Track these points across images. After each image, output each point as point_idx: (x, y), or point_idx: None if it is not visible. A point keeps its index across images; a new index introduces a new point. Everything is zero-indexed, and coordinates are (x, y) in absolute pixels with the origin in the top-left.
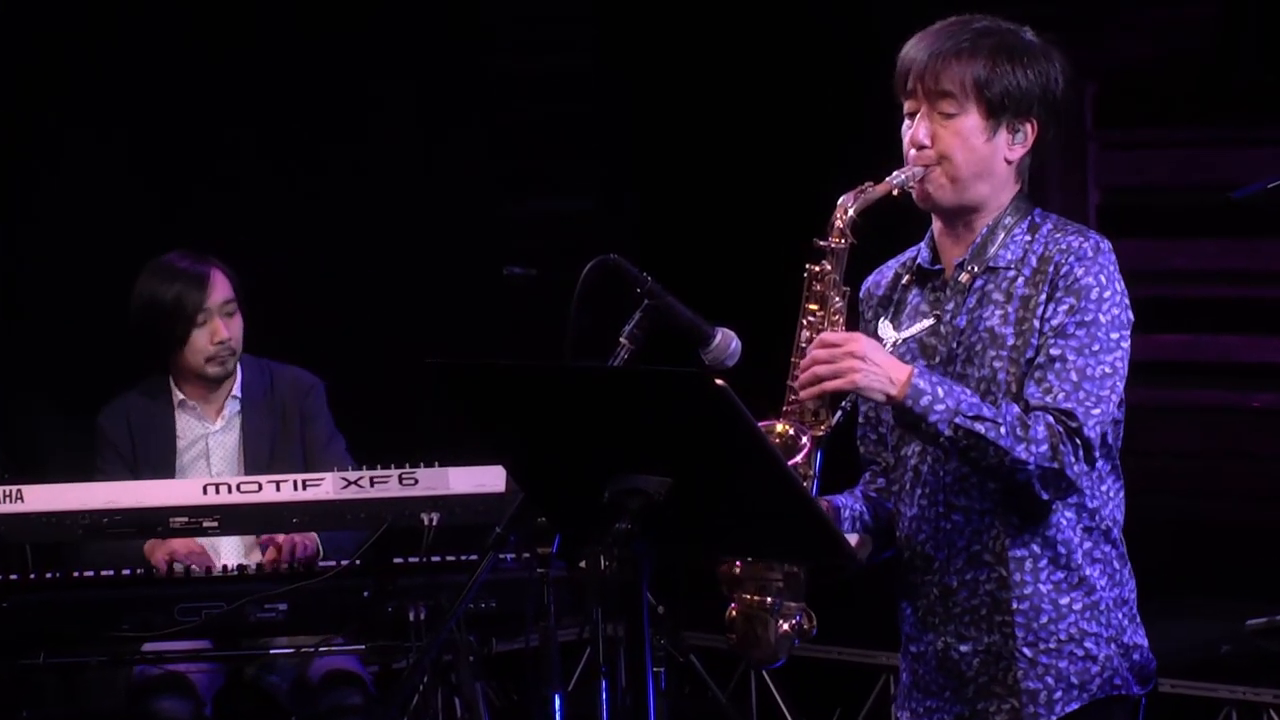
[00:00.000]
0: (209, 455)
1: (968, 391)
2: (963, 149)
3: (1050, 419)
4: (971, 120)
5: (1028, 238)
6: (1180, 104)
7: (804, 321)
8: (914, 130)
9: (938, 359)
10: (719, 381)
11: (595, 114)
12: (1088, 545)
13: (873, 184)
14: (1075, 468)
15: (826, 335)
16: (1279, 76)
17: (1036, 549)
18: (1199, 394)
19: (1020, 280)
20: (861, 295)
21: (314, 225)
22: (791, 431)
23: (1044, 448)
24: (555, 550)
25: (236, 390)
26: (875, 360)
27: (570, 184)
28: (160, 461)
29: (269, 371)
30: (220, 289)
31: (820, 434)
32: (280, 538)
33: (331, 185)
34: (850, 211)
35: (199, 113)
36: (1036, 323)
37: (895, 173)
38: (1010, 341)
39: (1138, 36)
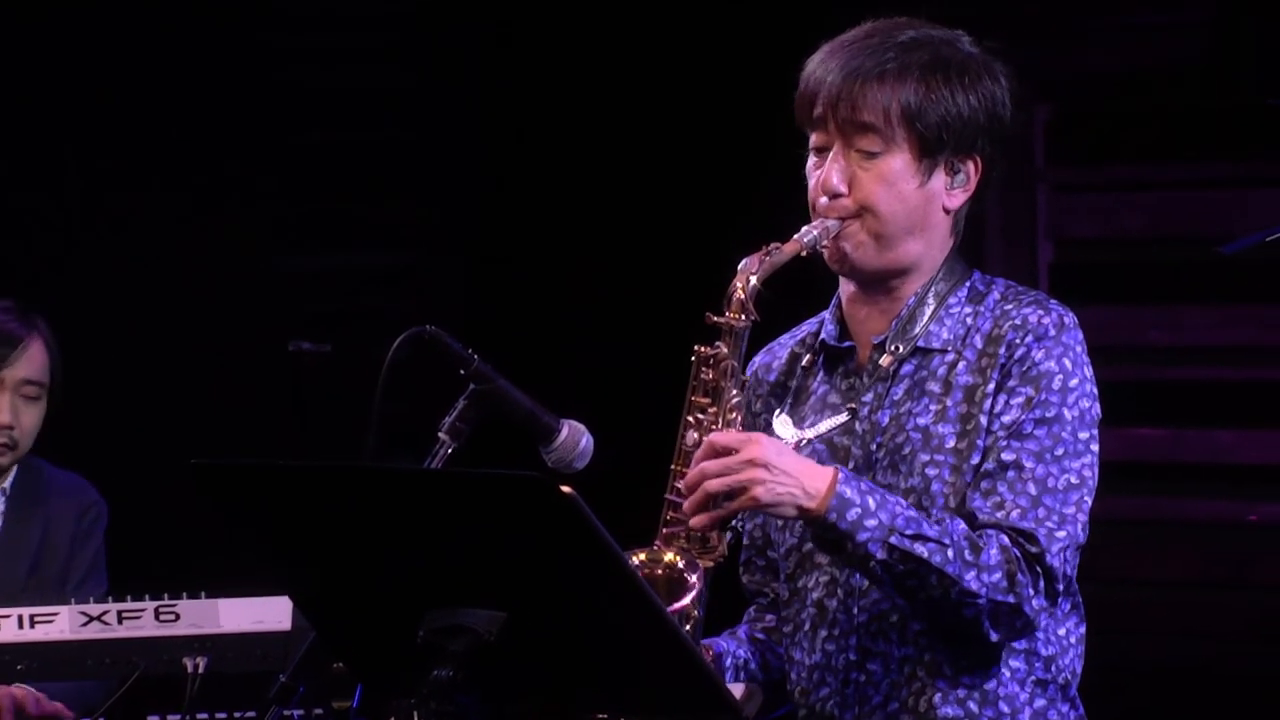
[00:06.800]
0: None
1: (903, 502)
2: (889, 198)
3: (1005, 540)
4: (899, 160)
5: (969, 310)
6: (1157, 133)
7: (690, 419)
8: (825, 173)
9: (852, 465)
10: (565, 488)
11: (417, 142)
12: (1040, 704)
13: (779, 244)
14: (1034, 602)
15: (717, 437)
16: None
17: (974, 708)
18: (1184, 504)
19: (962, 365)
20: (748, 380)
21: (40, 281)
22: (681, 564)
23: (998, 575)
24: (356, 705)
25: (6, 484)
26: (783, 467)
27: (379, 233)
28: None
29: (42, 472)
30: (28, 365)
31: (710, 565)
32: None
33: (64, 230)
34: (754, 280)
35: None
36: (984, 419)
37: (805, 228)
38: (950, 443)
39: (1101, 45)
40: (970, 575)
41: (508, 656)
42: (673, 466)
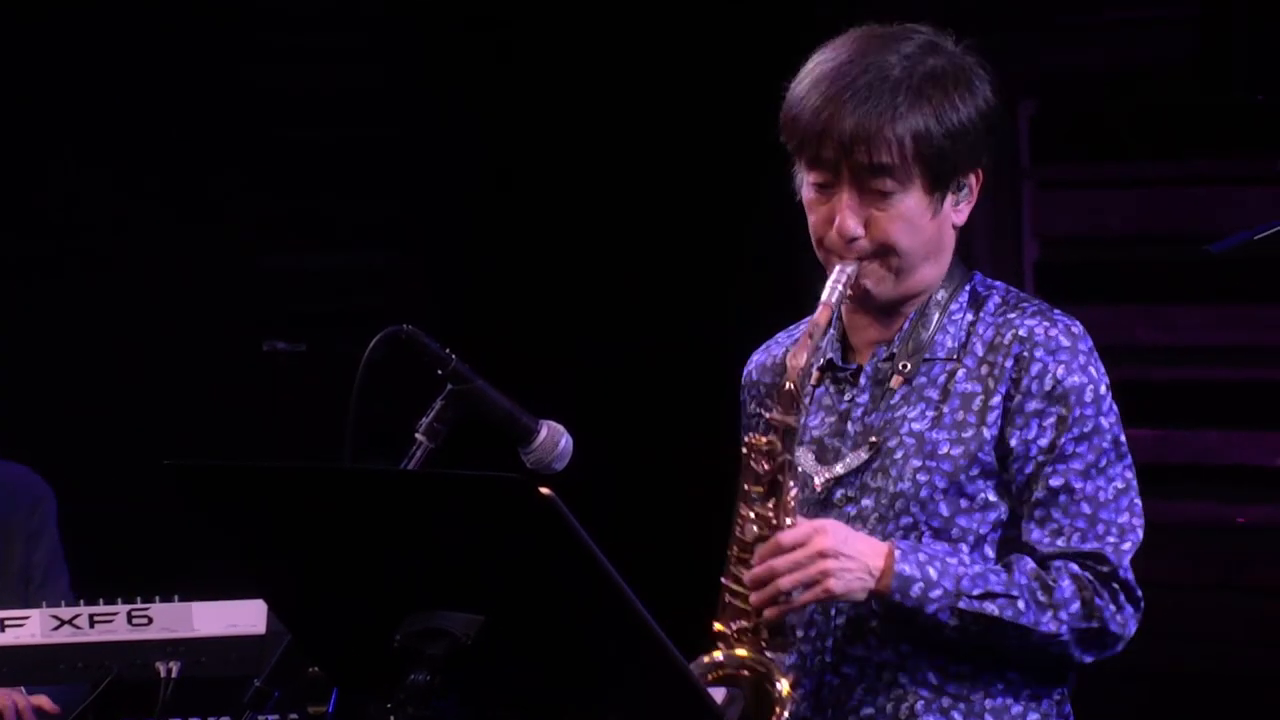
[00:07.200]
0: None
1: (964, 560)
2: (908, 235)
3: (1075, 568)
4: (913, 198)
5: (970, 317)
6: (1144, 130)
7: (749, 514)
8: (840, 219)
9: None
10: (544, 490)
11: (402, 141)
12: (1033, 717)
13: (812, 318)
14: (1117, 619)
15: (784, 537)
16: (1276, 95)
17: (958, 718)
18: (1170, 506)
19: (961, 372)
20: (744, 380)
21: (28, 280)
22: (784, 687)
23: (1075, 606)
24: (331, 710)
25: None
26: (849, 552)
27: (355, 232)
28: None
29: None
30: None
31: (783, 656)
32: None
33: (48, 228)
34: (802, 367)
35: None
36: (988, 431)
37: (829, 286)
38: (944, 449)
39: (1088, 42)
40: (1046, 618)
41: (486, 660)
42: (729, 551)
